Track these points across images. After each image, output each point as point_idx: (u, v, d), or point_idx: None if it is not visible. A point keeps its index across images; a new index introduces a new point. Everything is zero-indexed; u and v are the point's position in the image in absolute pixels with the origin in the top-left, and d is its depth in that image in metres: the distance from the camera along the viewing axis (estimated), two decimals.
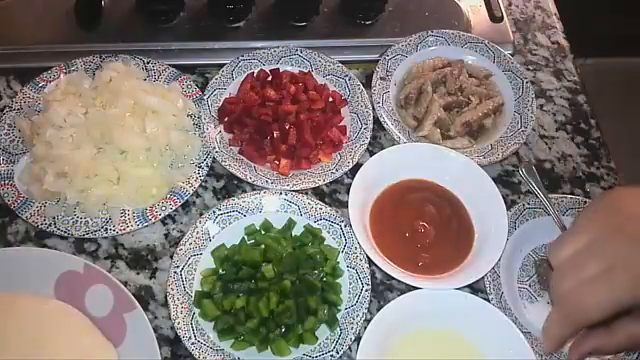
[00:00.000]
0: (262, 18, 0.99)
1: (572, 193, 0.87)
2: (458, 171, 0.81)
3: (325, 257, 0.75)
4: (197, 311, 0.71)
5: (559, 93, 0.98)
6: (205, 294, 0.72)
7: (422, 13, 1.02)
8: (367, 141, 0.85)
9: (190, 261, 0.74)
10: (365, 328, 0.69)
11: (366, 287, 0.73)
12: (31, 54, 0.92)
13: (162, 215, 0.77)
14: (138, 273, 0.76)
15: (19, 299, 0.70)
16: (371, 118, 0.87)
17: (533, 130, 0.91)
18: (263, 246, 0.75)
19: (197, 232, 0.76)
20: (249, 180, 0.80)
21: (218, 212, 0.77)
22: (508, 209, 0.79)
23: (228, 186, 0.84)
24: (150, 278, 0.76)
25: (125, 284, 0.73)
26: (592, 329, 0.61)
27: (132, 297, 0.70)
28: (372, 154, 0.83)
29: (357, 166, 0.80)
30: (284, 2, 1.00)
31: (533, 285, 0.79)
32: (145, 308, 0.72)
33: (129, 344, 0.69)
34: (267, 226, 0.77)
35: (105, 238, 0.78)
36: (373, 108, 0.87)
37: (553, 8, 1.08)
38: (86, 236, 0.76)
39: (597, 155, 0.91)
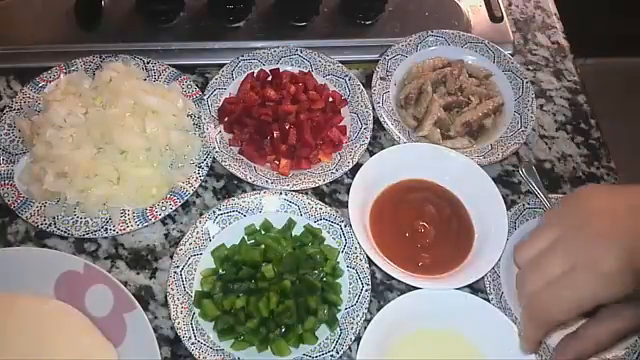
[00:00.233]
0: (262, 18, 0.99)
1: None
2: (458, 171, 0.81)
3: (325, 257, 0.75)
4: (197, 311, 0.71)
5: (559, 93, 0.98)
6: (205, 294, 0.72)
7: (422, 13, 1.02)
8: (367, 141, 0.85)
9: (190, 261, 0.74)
10: (365, 328, 0.69)
11: (366, 287, 0.73)
12: (31, 54, 0.92)
13: (162, 215, 0.77)
14: (138, 273, 0.76)
15: (19, 299, 0.70)
16: (371, 118, 0.87)
17: (533, 130, 0.91)
18: (263, 246, 0.75)
19: (197, 232, 0.76)
20: (249, 180, 0.80)
21: (218, 212, 0.77)
22: (508, 209, 0.79)
23: (228, 186, 0.84)
24: (150, 278, 0.76)
25: (125, 284, 0.73)
26: (564, 338, 0.61)
27: (132, 297, 0.70)
28: (372, 154, 0.83)
29: (357, 166, 0.80)
30: (284, 2, 1.00)
31: None
32: (145, 308, 0.72)
33: (129, 344, 0.69)
34: (267, 226, 0.77)
35: (105, 238, 0.78)
36: (373, 108, 0.87)
37: (553, 8, 1.08)
38: (86, 236, 0.76)
39: (597, 155, 0.91)
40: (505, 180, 0.87)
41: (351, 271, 0.75)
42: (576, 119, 0.95)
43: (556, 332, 0.66)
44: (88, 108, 0.81)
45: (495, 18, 1.02)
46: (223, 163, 0.81)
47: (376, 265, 0.73)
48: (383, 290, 0.77)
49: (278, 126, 0.84)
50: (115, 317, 0.70)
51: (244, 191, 0.83)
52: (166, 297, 0.71)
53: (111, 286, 0.70)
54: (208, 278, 0.73)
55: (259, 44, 0.94)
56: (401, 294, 0.72)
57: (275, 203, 0.79)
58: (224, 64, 0.89)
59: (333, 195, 0.84)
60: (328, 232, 0.77)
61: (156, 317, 0.74)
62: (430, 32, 0.95)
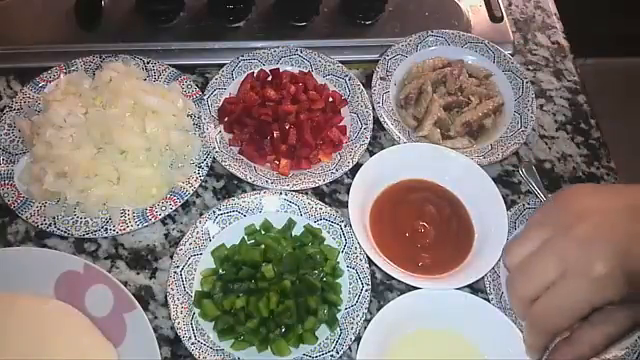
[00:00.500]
0: (262, 18, 0.99)
1: None
2: (458, 171, 0.81)
3: (325, 257, 0.75)
4: (197, 311, 0.71)
5: (559, 93, 0.98)
6: (205, 294, 0.72)
7: (422, 13, 1.02)
8: (367, 141, 0.85)
9: (190, 261, 0.74)
10: (365, 328, 0.69)
11: (366, 287, 0.73)
12: (31, 54, 0.92)
13: (162, 215, 0.77)
14: (138, 273, 0.76)
15: (19, 299, 0.70)
16: (371, 118, 0.87)
17: (533, 130, 0.91)
18: (263, 246, 0.75)
19: (197, 232, 0.76)
20: (249, 180, 0.80)
21: (218, 212, 0.77)
22: (508, 209, 0.79)
23: (228, 186, 0.84)
24: (150, 278, 0.76)
25: (125, 284, 0.73)
26: (558, 343, 0.61)
27: (132, 297, 0.70)
28: (372, 154, 0.83)
29: (357, 166, 0.80)
30: (284, 2, 1.00)
31: None
32: (145, 308, 0.72)
33: (129, 344, 0.69)
34: (267, 226, 0.77)
35: (105, 238, 0.78)
36: (373, 108, 0.87)
37: (553, 8, 1.08)
38: (86, 236, 0.76)
39: (597, 155, 0.91)
40: (505, 180, 0.87)
41: (351, 271, 0.75)
42: (576, 119, 0.95)
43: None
44: (88, 108, 0.81)
45: (495, 18, 1.02)
46: (223, 163, 0.81)
47: (376, 265, 0.73)
48: (383, 290, 0.77)
49: (278, 126, 0.84)
50: (115, 317, 0.69)
51: (244, 191, 0.83)
52: (166, 297, 0.71)
53: (111, 286, 0.70)
54: (208, 278, 0.73)
55: (259, 44, 0.94)
56: (401, 294, 0.72)
57: (275, 203, 0.79)
58: (224, 64, 0.89)
59: (333, 195, 0.84)
60: (328, 232, 0.77)
61: (156, 317, 0.74)
62: (430, 32, 0.95)
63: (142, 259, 0.77)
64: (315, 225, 0.77)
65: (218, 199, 0.83)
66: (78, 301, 0.70)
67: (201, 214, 0.80)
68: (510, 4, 1.07)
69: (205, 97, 0.86)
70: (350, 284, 0.74)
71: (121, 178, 0.78)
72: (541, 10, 1.08)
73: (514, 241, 0.60)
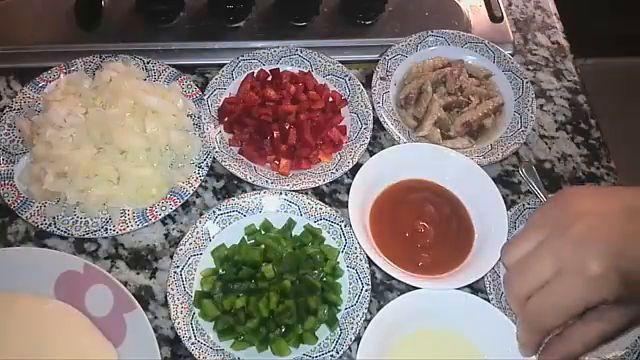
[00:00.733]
0: (262, 18, 0.99)
1: None
2: (458, 171, 0.81)
3: (325, 257, 0.75)
4: (197, 311, 0.71)
5: (559, 93, 0.98)
6: (205, 294, 0.72)
7: (422, 13, 1.02)
8: (367, 141, 0.85)
9: (190, 261, 0.74)
10: (365, 328, 0.69)
11: (366, 287, 0.73)
12: (31, 54, 0.92)
13: (162, 215, 0.77)
14: (138, 273, 0.76)
15: (19, 299, 0.70)
16: (371, 118, 0.87)
17: (533, 130, 0.91)
18: (263, 246, 0.75)
19: (197, 232, 0.76)
20: (249, 180, 0.80)
21: (218, 212, 0.77)
22: (508, 209, 0.79)
23: (228, 186, 0.84)
24: (150, 278, 0.76)
25: (125, 284, 0.73)
26: (550, 339, 0.62)
27: (132, 297, 0.70)
28: (372, 154, 0.83)
29: (357, 166, 0.80)
30: (284, 2, 1.00)
31: None
32: (145, 308, 0.72)
33: (129, 344, 0.69)
34: (267, 226, 0.77)
35: (105, 238, 0.78)
36: (373, 108, 0.87)
37: (553, 8, 1.08)
38: (86, 236, 0.76)
39: (597, 155, 0.91)
40: (505, 180, 0.87)
41: (351, 271, 0.75)
42: (576, 119, 0.95)
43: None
44: (88, 108, 0.81)
45: (495, 18, 1.02)
46: (223, 163, 0.81)
47: (376, 265, 0.73)
48: (383, 290, 0.77)
49: (278, 126, 0.84)
50: (115, 317, 0.69)
51: (244, 191, 0.83)
52: (166, 297, 0.71)
53: (111, 286, 0.70)
54: (208, 278, 0.73)
55: (259, 44, 0.94)
56: (401, 294, 0.72)
57: (275, 203, 0.79)
58: (224, 64, 0.89)
59: (333, 195, 0.84)
60: (328, 232, 0.77)
61: (156, 317, 0.74)
62: (430, 32, 0.95)
63: (142, 259, 0.77)
64: (315, 225, 0.77)
65: (218, 199, 0.83)
66: (78, 301, 0.70)
67: (201, 214, 0.80)
68: (510, 4, 1.07)
69: (205, 97, 0.86)
70: (350, 284, 0.74)
71: (121, 178, 0.78)
72: (541, 10, 1.08)
73: (512, 241, 0.61)
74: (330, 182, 0.82)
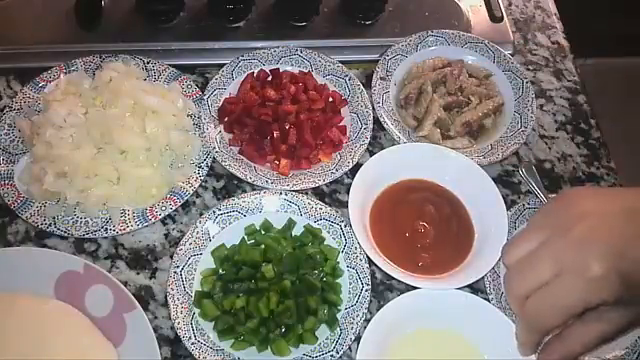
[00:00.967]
0: (262, 18, 0.99)
1: None
2: (458, 171, 0.81)
3: (325, 257, 0.75)
4: (197, 311, 0.71)
5: (559, 93, 0.98)
6: (205, 294, 0.72)
7: (422, 13, 1.02)
8: (367, 141, 0.85)
9: (190, 261, 0.74)
10: (365, 328, 0.69)
11: (366, 287, 0.73)
12: (31, 54, 0.92)
13: (162, 215, 0.77)
14: (138, 273, 0.76)
15: (19, 299, 0.70)
16: (371, 118, 0.87)
17: (533, 130, 0.91)
18: (263, 246, 0.75)
19: (197, 232, 0.76)
20: (249, 180, 0.80)
21: (218, 212, 0.77)
22: (508, 209, 0.79)
23: (228, 186, 0.84)
24: (150, 278, 0.76)
25: (125, 284, 0.73)
26: (549, 339, 0.62)
27: (132, 297, 0.70)
28: (372, 154, 0.83)
29: (357, 166, 0.80)
30: (284, 2, 1.00)
31: None
32: (145, 308, 0.72)
33: (129, 344, 0.69)
34: (267, 226, 0.77)
35: (105, 238, 0.78)
36: (373, 108, 0.87)
37: (553, 8, 1.08)
38: (86, 236, 0.76)
39: (597, 155, 0.91)
40: (505, 180, 0.87)
41: (351, 271, 0.75)
42: (576, 119, 0.95)
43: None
44: (88, 108, 0.81)
45: (495, 18, 1.02)
46: (223, 163, 0.81)
47: (376, 265, 0.73)
48: (383, 290, 0.77)
49: (278, 126, 0.84)
50: (115, 317, 0.69)
51: (244, 191, 0.83)
52: (166, 297, 0.71)
53: (111, 286, 0.70)
54: (208, 278, 0.73)
55: (259, 44, 0.94)
56: (401, 294, 0.72)
57: (275, 203, 0.79)
58: (224, 64, 0.89)
59: (333, 195, 0.84)
60: (328, 232, 0.77)
61: (156, 317, 0.74)
62: (430, 32, 0.95)
63: (142, 259, 0.77)
64: (315, 225, 0.77)
65: (218, 199, 0.83)
66: (78, 301, 0.70)
67: (201, 214, 0.80)
68: (510, 4, 1.07)
69: (205, 97, 0.86)
70: (350, 284, 0.74)
71: (121, 178, 0.78)
72: (541, 10, 1.08)
73: (512, 241, 0.61)
74: (330, 182, 0.82)
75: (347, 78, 0.90)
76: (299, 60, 0.92)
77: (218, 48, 0.95)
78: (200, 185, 0.81)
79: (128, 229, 0.76)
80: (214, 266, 0.75)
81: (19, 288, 0.70)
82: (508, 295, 0.60)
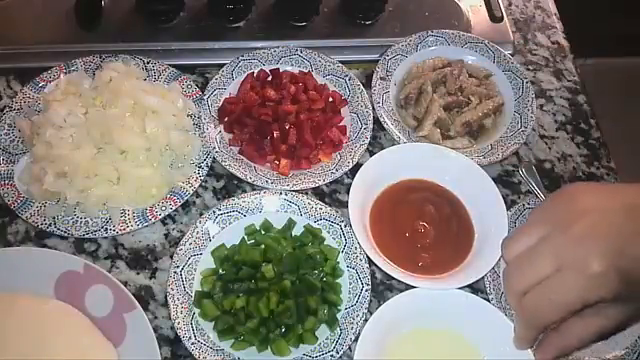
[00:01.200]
0: (262, 18, 0.99)
1: None
2: (458, 171, 0.81)
3: (325, 257, 0.75)
4: (197, 311, 0.71)
5: (559, 93, 0.98)
6: (205, 294, 0.72)
7: (422, 13, 1.02)
8: (367, 141, 0.85)
9: (190, 261, 0.74)
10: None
11: (366, 287, 0.73)
12: (31, 54, 0.92)
13: (162, 215, 0.77)
14: (138, 273, 0.76)
15: (19, 299, 0.70)
16: (371, 118, 0.87)
17: (533, 130, 0.91)
18: (263, 246, 0.75)
19: (197, 232, 0.76)
20: (249, 180, 0.80)
21: (218, 212, 0.77)
22: (508, 209, 0.79)
23: (228, 186, 0.84)
24: (150, 278, 0.76)
25: (125, 284, 0.73)
26: (546, 334, 0.62)
27: (132, 297, 0.70)
28: (372, 154, 0.83)
29: (357, 166, 0.80)
30: (284, 2, 1.00)
31: None
32: (145, 308, 0.72)
33: (129, 344, 0.69)
34: (267, 226, 0.77)
35: (105, 238, 0.78)
36: (373, 108, 0.87)
37: (553, 8, 1.08)
38: (86, 236, 0.76)
39: (597, 155, 0.91)
40: (505, 180, 0.87)
41: (351, 271, 0.75)
42: (576, 119, 0.95)
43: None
44: (88, 108, 0.81)
45: (495, 18, 1.02)
46: (223, 163, 0.81)
47: (376, 265, 0.73)
48: (383, 290, 0.77)
49: (278, 126, 0.84)
50: (115, 317, 0.69)
51: (244, 191, 0.83)
52: (166, 297, 0.71)
53: (111, 286, 0.70)
54: (208, 278, 0.73)
55: (259, 44, 0.94)
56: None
57: (275, 203, 0.79)
58: (224, 64, 0.89)
59: (333, 195, 0.84)
60: (328, 232, 0.77)
61: (156, 317, 0.74)
62: (430, 32, 0.95)
63: (142, 259, 0.77)
64: (315, 225, 0.77)
65: (218, 199, 0.83)
66: (78, 301, 0.70)
67: (201, 214, 0.80)
68: (510, 4, 1.07)
69: (205, 97, 0.86)
70: (350, 284, 0.74)
71: (121, 178, 0.78)
72: (541, 10, 1.08)
73: (513, 235, 0.61)
74: (330, 182, 0.82)
75: (347, 78, 0.90)
76: (299, 60, 0.92)
77: (218, 48, 0.95)
78: (200, 185, 0.81)
79: (128, 229, 0.76)
80: (214, 266, 0.75)
81: (19, 288, 0.70)
82: (507, 290, 0.60)
